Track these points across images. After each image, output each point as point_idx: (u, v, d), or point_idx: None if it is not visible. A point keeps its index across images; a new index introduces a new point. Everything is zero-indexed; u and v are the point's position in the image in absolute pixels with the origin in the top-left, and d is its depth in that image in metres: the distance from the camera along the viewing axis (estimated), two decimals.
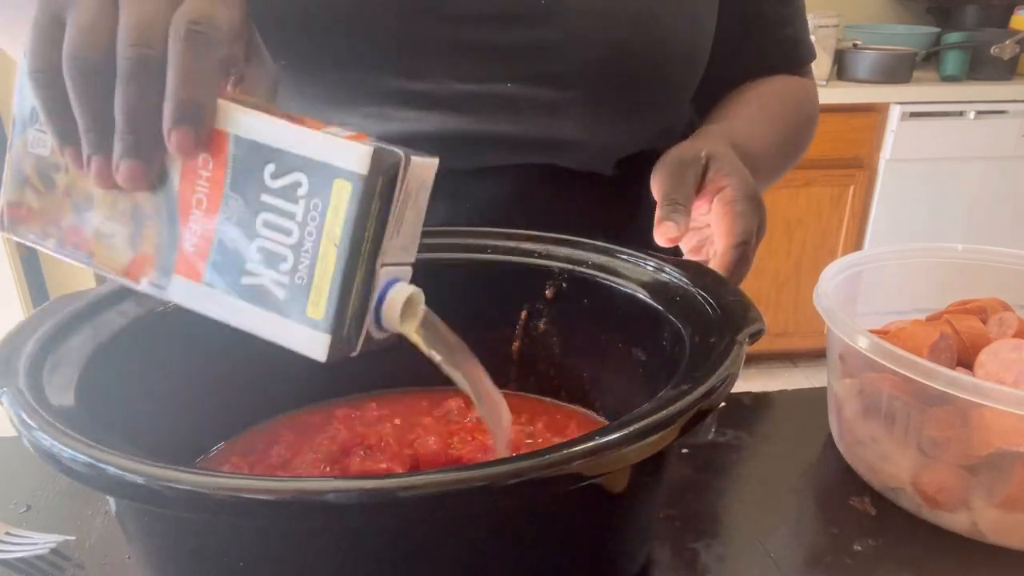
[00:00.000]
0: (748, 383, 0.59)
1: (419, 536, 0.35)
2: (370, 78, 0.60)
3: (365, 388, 0.57)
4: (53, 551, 0.48)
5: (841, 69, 2.35)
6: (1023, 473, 0.49)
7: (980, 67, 2.34)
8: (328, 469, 0.47)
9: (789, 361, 2.58)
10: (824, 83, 2.28)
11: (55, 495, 0.55)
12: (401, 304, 0.36)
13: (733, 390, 0.39)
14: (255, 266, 0.34)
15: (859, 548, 0.50)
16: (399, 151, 0.33)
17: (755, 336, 0.42)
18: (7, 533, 0.49)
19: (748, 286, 0.51)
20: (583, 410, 0.56)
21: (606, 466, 0.33)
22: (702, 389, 0.36)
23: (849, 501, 0.55)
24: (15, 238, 0.38)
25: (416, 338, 0.37)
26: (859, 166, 2.34)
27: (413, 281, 0.37)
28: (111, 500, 0.40)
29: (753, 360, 2.45)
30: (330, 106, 0.61)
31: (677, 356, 0.44)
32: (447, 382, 0.58)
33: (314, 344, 0.34)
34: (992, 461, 0.50)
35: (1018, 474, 0.49)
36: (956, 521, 0.52)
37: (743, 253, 0.54)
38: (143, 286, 0.36)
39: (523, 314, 0.56)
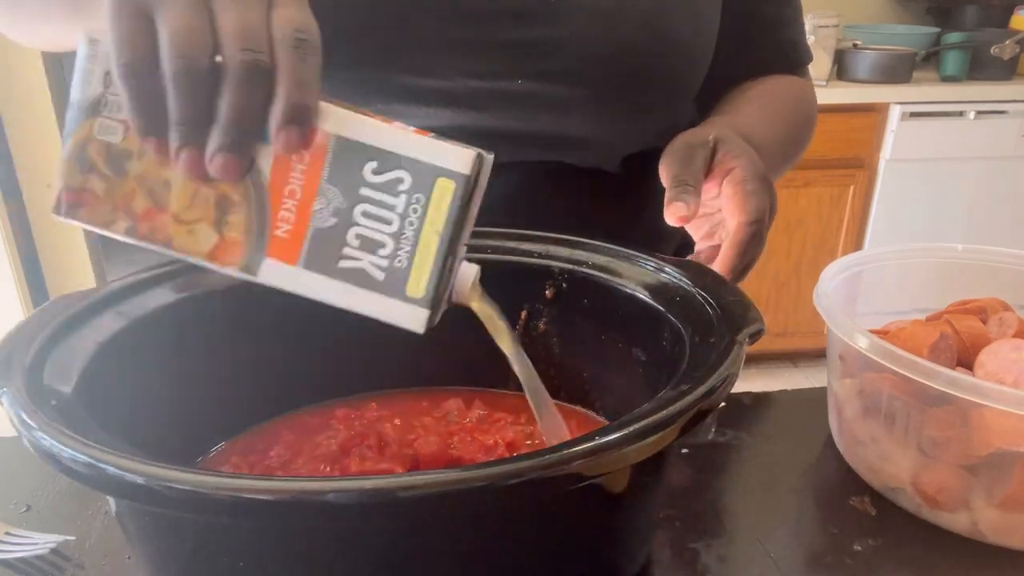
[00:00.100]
0: (748, 383, 0.59)
1: (419, 536, 0.35)
2: (380, 75, 0.60)
3: (365, 388, 0.57)
4: (53, 551, 0.48)
5: (841, 69, 2.35)
6: (1023, 473, 0.49)
7: (980, 67, 2.33)
8: (328, 469, 0.47)
9: (789, 361, 2.58)
10: (824, 83, 2.28)
11: (55, 495, 0.55)
12: (471, 280, 0.41)
13: (733, 390, 0.39)
14: (352, 251, 0.38)
15: (859, 548, 0.50)
16: (483, 151, 0.38)
17: (755, 336, 0.42)
18: (7, 533, 0.49)
19: (748, 286, 0.51)
20: (583, 410, 0.56)
21: (606, 466, 0.33)
22: (702, 389, 0.36)
23: (849, 501, 0.55)
24: (73, 222, 0.39)
25: (480, 308, 0.43)
26: (859, 166, 2.34)
27: None
28: (111, 500, 0.40)
29: (753, 360, 2.45)
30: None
31: (677, 356, 0.44)
32: (447, 382, 0.58)
33: (414, 318, 0.38)
34: (992, 461, 0.50)
35: (1018, 474, 0.49)
36: (956, 521, 0.52)
37: (757, 231, 0.53)
38: (231, 270, 0.39)
39: (523, 314, 0.56)
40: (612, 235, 0.55)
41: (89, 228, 0.39)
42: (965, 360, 0.57)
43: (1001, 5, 2.56)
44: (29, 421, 0.34)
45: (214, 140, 0.35)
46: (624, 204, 0.69)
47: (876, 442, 0.55)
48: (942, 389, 0.48)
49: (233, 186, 0.38)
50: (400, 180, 0.37)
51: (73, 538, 0.50)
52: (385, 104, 0.61)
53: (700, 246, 0.59)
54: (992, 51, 2.31)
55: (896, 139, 2.29)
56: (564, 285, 0.54)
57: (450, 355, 0.58)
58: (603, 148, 0.66)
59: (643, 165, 0.67)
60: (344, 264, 0.38)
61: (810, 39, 2.24)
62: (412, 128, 0.38)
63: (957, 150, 2.32)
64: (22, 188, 2.05)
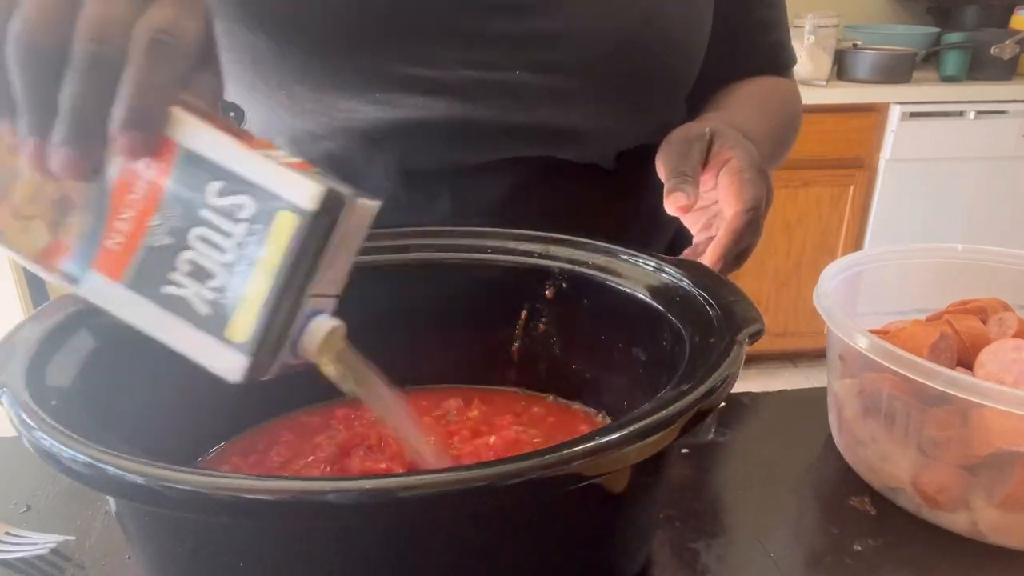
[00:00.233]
0: (748, 383, 0.59)
1: (419, 536, 0.35)
2: (379, 64, 0.60)
3: None
4: (53, 551, 0.48)
5: (841, 69, 2.35)
6: (1023, 473, 0.49)
7: (980, 67, 2.34)
8: (328, 469, 0.47)
9: (789, 361, 2.58)
10: (824, 83, 2.28)
11: (55, 495, 0.55)
12: (321, 337, 0.36)
13: (733, 390, 0.39)
14: (180, 277, 0.34)
15: (859, 548, 0.50)
16: (345, 191, 0.34)
17: (755, 336, 0.42)
18: (7, 533, 0.49)
19: (748, 286, 0.51)
20: (583, 410, 0.56)
21: (606, 466, 0.33)
22: (702, 389, 0.36)
23: (849, 501, 0.55)
24: None
25: (329, 370, 0.38)
26: (859, 166, 2.34)
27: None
28: (111, 500, 0.40)
29: (753, 360, 2.45)
30: (338, 92, 0.61)
31: (677, 356, 0.44)
32: (447, 381, 0.58)
33: (231, 365, 0.34)
34: (992, 461, 0.50)
35: (1018, 474, 0.49)
36: (956, 521, 0.52)
37: (753, 218, 0.53)
38: (54, 276, 0.36)
39: (523, 314, 0.56)
40: (607, 231, 0.55)
41: None
42: (965, 360, 0.57)
43: (1001, 5, 2.56)
44: (29, 421, 0.34)
45: (56, 133, 0.33)
46: (619, 200, 0.70)
47: (876, 442, 0.55)
48: (942, 389, 0.48)
49: (76, 186, 0.35)
50: (242, 206, 0.33)
51: (73, 538, 0.50)
52: (384, 93, 0.61)
53: (698, 238, 0.59)
54: (992, 51, 2.31)
55: (896, 139, 2.29)
56: (564, 285, 0.54)
57: (450, 355, 0.58)
58: (600, 142, 0.66)
59: (638, 161, 0.67)
60: (168, 291, 0.34)
61: (810, 39, 2.25)
62: (296, 160, 0.34)
63: (957, 150, 2.33)
64: None
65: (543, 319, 0.56)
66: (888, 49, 2.32)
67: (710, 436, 0.62)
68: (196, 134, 0.34)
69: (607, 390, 0.55)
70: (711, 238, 0.56)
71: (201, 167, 0.34)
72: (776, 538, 0.51)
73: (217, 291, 0.34)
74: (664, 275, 0.50)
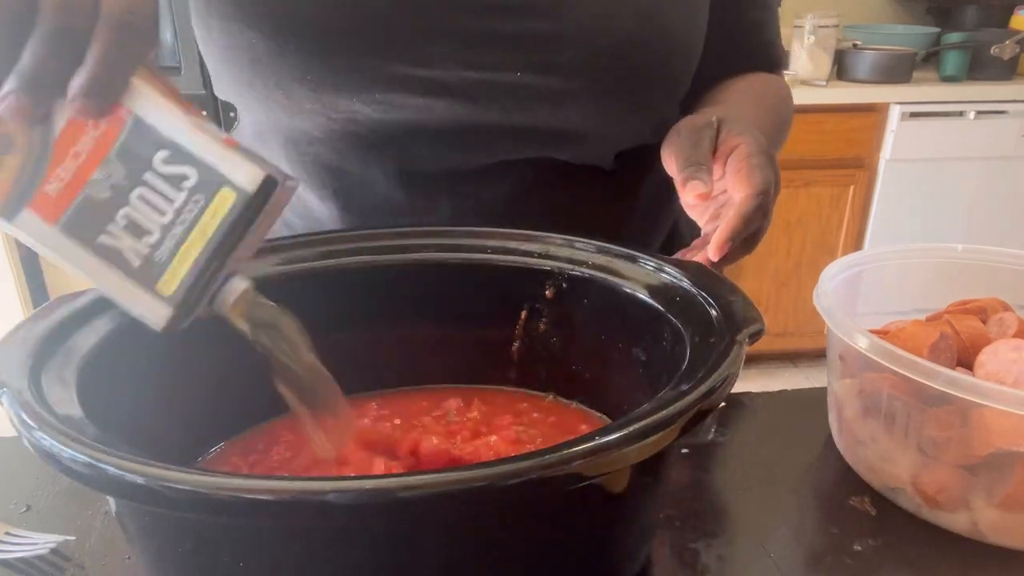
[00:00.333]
0: (748, 383, 0.59)
1: (419, 536, 0.35)
2: (378, 64, 0.60)
3: (365, 388, 0.57)
4: (53, 551, 0.48)
5: (841, 69, 2.35)
6: (1023, 473, 0.49)
7: (980, 67, 2.33)
8: (328, 469, 0.47)
9: (789, 361, 2.58)
10: (824, 83, 2.28)
11: (55, 495, 0.55)
12: (235, 297, 0.40)
13: (733, 390, 0.39)
14: (117, 229, 0.38)
15: (859, 548, 0.50)
16: (277, 175, 0.38)
17: (755, 336, 0.42)
18: (7, 533, 0.49)
19: (748, 286, 0.51)
20: (583, 410, 0.56)
21: (606, 466, 0.33)
22: (702, 389, 0.36)
23: (849, 501, 0.55)
24: None
25: (240, 325, 0.42)
26: (859, 166, 2.34)
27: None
28: (111, 500, 0.40)
29: (753, 360, 2.45)
30: (337, 92, 0.61)
31: (677, 356, 0.44)
32: (447, 381, 0.58)
33: (155, 315, 0.38)
34: (992, 461, 0.50)
35: (1018, 474, 0.49)
36: (956, 521, 0.52)
37: (762, 203, 0.53)
38: None
39: (523, 314, 0.56)
40: (605, 230, 0.55)
41: None
42: (965, 360, 0.57)
43: (1001, 5, 2.56)
44: (29, 421, 0.34)
45: (10, 82, 0.35)
46: (617, 200, 0.70)
47: (876, 442, 0.55)
48: (942, 389, 0.48)
49: (21, 129, 0.37)
50: (186, 177, 0.38)
51: (73, 538, 0.50)
52: (384, 94, 0.61)
53: (706, 229, 0.58)
54: (992, 51, 2.31)
55: (896, 139, 2.29)
56: (564, 285, 0.54)
57: (450, 355, 0.58)
58: (599, 143, 0.67)
59: (636, 162, 0.67)
60: (104, 240, 0.38)
61: (810, 39, 2.25)
62: (224, 136, 0.38)
63: (957, 150, 2.32)
64: None
65: (543, 319, 0.56)
66: (888, 49, 2.32)
67: (710, 436, 0.62)
68: (149, 105, 0.37)
69: (607, 390, 0.55)
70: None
71: (150, 135, 0.37)
72: (776, 538, 0.51)
73: (152, 247, 0.38)
74: (664, 275, 0.50)
